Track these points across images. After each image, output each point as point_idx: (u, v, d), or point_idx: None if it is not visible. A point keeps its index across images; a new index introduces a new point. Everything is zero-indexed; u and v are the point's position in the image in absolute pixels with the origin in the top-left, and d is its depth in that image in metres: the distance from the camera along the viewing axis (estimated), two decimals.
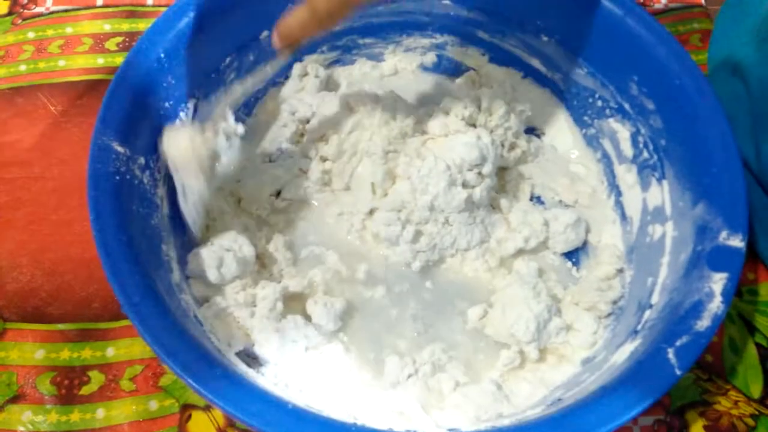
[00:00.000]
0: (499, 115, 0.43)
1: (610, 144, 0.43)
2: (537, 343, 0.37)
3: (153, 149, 0.36)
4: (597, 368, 0.34)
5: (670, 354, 0.31)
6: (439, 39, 0.47)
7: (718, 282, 0.33)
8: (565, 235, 0.41)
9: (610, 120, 0.43)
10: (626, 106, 0.41)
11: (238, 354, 0.34)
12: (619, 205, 0.43)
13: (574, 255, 0.42)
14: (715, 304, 0.32)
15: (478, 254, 0.40)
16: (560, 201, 0.44)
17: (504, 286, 0.39)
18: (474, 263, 0.40)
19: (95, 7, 0.52)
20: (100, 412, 0.37)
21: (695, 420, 0.38)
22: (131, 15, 0.51)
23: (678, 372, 0.30)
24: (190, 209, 0.36)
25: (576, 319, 0.38)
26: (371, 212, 0.40)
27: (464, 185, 0.39)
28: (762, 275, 0.43)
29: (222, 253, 0.36)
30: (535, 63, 0.46)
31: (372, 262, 0.40)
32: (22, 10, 0.51)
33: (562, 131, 0.46)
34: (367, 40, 0.47)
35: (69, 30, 0.50)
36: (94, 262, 0.31)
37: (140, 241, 0.33)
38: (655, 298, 0.36)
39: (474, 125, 0.42)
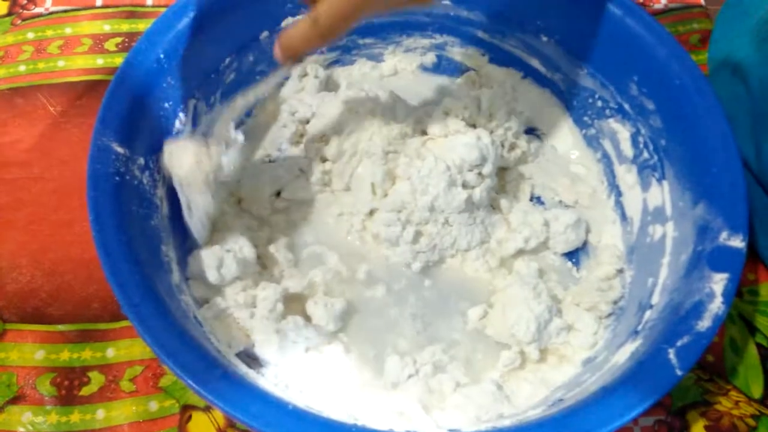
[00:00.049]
0: (499, 116, 0.43)
1: (611, 144, 0.43)
2: (537, 344, 0.37)
3: (152, 150, 0.36)
4: (598, 369, 0.34)
5: (671, 354, 0.31)
6: (439, 39, 0.47)
7: (718, 282, 0.33)
8: (566, 235, 0.41)
9: (610, 120, 0.43)
10: (626, 106, 0.41)
11: (238, 355, 0.34)
12: (620, 206, 0.43)
13: (574, 255, 0.42)
14: (716, 305, 0.32)
15: (479, 255, 0.40)
16: (560, 201, 0.44)
17: (504, 287, 0.39)
18: (474, 263, 0.40)
19: (95, 7, 0.52)
20: (100, 413, 0.37)
21: (696, 420, 0.38)
22: (131, 15, 0.51)
23: (679, 372, 0.30)
24: (196, 222, 0.36)
25: (576, 319, 0.38)
26: (371, 213, 0.40)
27: (464, 186, 0.39)
28: (762, 275, 0.43)
29: (222, 254, 0.36)
30: (535, 63, 0.46)
31: (372, 263, 0.40)
32: (21, 11, 0.51)
33: (562, 131, 0.46)
34: (367, 41, 0.47)
35: (68, 30, 0.50)
36: (93, 262, 0.31)
37: (140, 241, 0.32)
38: (655, 299, 0.36)
39: (474, 126, 0.42)
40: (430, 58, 0.48)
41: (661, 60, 0.39)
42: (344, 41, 0.46)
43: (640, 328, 0.35)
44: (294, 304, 0.37)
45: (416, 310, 0.39)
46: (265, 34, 0.42)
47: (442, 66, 0.48)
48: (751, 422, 0.38)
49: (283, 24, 0.43)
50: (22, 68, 0.48)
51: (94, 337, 0.39)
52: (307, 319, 0.37)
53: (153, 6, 0.52)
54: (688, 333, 0.31)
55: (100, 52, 0.49)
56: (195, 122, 0.40)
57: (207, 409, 0.37)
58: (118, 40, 0.50)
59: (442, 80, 0.48)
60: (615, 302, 0.39)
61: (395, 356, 0.36)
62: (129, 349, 0.39)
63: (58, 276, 0.41)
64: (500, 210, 0.42)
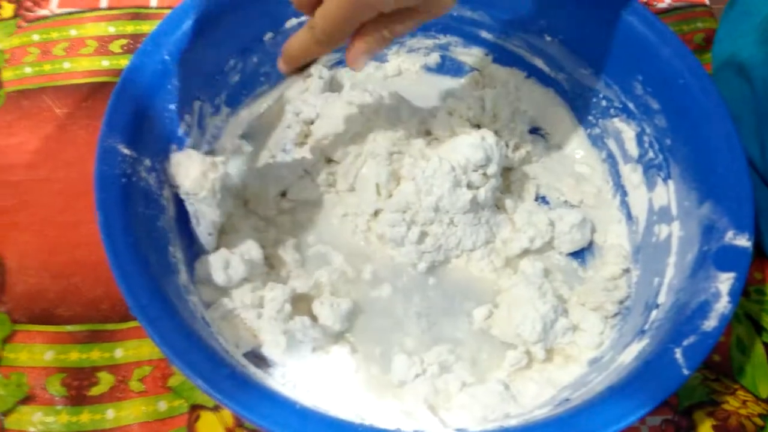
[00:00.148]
0: (504, 116, 0.43)
1: (615, 144, 0.43)
2: (543, 344, 0.37)
3: (158, 151, 0.36)
4: (604, 368, 0.34)
5: (678, 354, 0.31)
6: (443, 39, 0.47)
7: (725, 282, 0.33)
8: (571, 235, 0.41)
9: (615, 120, 0.43)
10: (631, 105, 0.41)
11: (245, 355, 0.34)
12: (625, 205, 0.43)
13: (579, 255, 0.42)
14: (722, 304, 0.32)
15: (484, 254, 0.40)
16: (565, 201, 0.44)
17: (510, 287, 0.39)
18: (479, 263, 0.40)
19: (99, 9, 0.52)
20: (110, 413, 0.37)
21: (703, 420, 0.38)
22: (135, 17, 0.51)
23: (685, 372, 0.30)
24: (203, 231, 0.36)
25: (582, 319, 0.38)
26: (376, 213, 0.40)
27: (469, 186, 0.39)
28: None
29: (229, 257, 0.36)
30: (539, 63, 0.46)
31: (377, 263, 0.40)
32: (26, 13, 0.51)
33: (566, 131, 0.45)
34: None
35: (73, 32, 0.50)
36: (101, 263, 0.31)
37: (147, 243, 0.33)
38: (661, 298, 0.35)
39: (478, 126, 0.42)
40: (434, 58, 0.48)
41: (666, 59, 0.39)
42: (347, 43, 0.46)
43: (646, 327, 0.35)
44: (300, 304, 0.38)
45: (421, 310, 0.39)
46: (269, 35, 0.42)
47: (446, 66, 0.48)
48: (759, 422, 0.38)
49: (287, 25, 0.43)
50: (27, 70, 0.48)
51: (102, 338, 0.39)
52: (314, 319, 0.37)
53: (157, 8, 0.52)
54: (695, 332, 0.31)
55: (105, 54, 0.49)
56: (200, 124, 0.40)
57: (216, 408, 0.37)
58: (123, 41, 0.50)
59: (446, 80, 0.48)
60: (621, 302, 0.39)
61: (402, 355, 0.36)
62: (137, 349, 0.39)
63: (65, 277, 0.41)
64: (505, 210, 0.42)
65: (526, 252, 0.41)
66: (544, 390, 0.35)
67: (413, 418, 0.34)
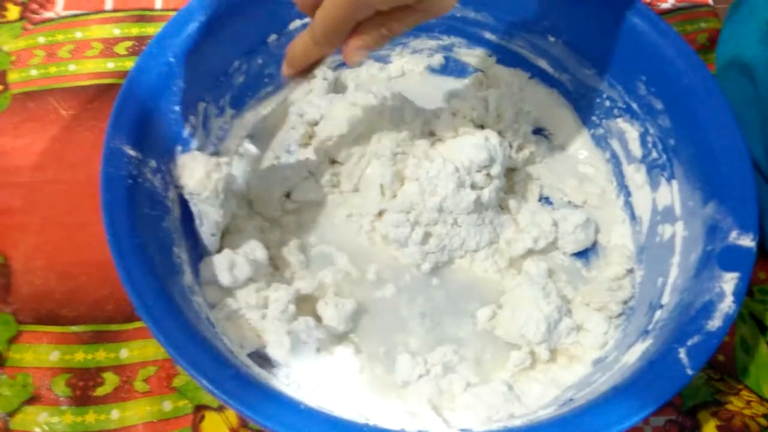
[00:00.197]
0: (507, 117, 0.43)
1: (619, 144, 0.43)
2: (547, 344, 0.37)
3: (164, 152, 0.36)
4: (608, 368, 0.34)
5: (682, 354, 0.31)
6: (446, 40, 0.47)
7: (729, 282, 0.32)
8: (575, 235, 0.41)
9: (619, 120, 0.43)
10: (634, 106, 0.41)
11: (250, 355, 0.34)
12: (629, 205, 0.42)
13: (583, 255, 0.42)
14: (727, 304, 0.32)
15: (488, 255, 0.40)
16: (569, 201, 0.44)
17: (513, 287, 0.39)
18: (483, 264, 0.40)
19: (104, 11, 0.52)
20: (115, 413, 0.37)
21: (707, 420, 0.38)
22: (140, 19, 0.51)
23: (689, 372, 0.30)
24: (206, 232, 0.36)
25: (586, 319, 0.38)
26: (380, 214, 0.40)
27: (473, 186, 0.39)
28: None
29: (234, 257, 0.36)
30: (543, 64, 0.45)
31: (381, 263, 0.40)
32: (32, 15, 0.51)
33: (570, 132, 0.45)
34: None
35: (79, 35, 0.50)
36: (106, 264, 0.31)
37: (152, 243, 0.33)
38: (665, 298, 0.35)
39: (482, 126, 0.42)
40: (438, 59, 0.48)
41: (669, 59, 0.39)
42: None
43: (650, 327, 0.34)
44: (305, 304, 0.38)
45: (425, 310, 0.39)
46: (273, 37, 0.42)
47: (450, 67, 0.48)
48: (763, 422, 0.38)
49: (291, 26, 0.43)
50: (33, 72, 0.48)
51: (107, 338, 0.39)
52: (318, 319, 0.37)
53: (162, 10, 0.52)
54: (699, 333, 0.31)
55: (110, 56, 0.49)
56: (205, 125, 0.40)
57: (220, 408, 0.37)
58: (128, 43, 0.50)
59: (450, 81, 0.48)
60: (625, 302, 0.39)
61: (406, 355, 0.36)
62: (142, 349, 0.39)
63: (71, 278, 0.41)
64: (509, 210, 0.42)
65: (529, 252, 0.41)
66: (548, 390, 0.35)
67: (417, 419, 0.34)
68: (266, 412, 0.28)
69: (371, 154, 0.41)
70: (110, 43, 0.50)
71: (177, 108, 0.37)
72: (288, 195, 0.42)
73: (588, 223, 0.41)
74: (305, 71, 0.36)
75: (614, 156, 0.44)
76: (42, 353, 0.39)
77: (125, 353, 0.39)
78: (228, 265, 0.36)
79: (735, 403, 0.38)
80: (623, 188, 0.43)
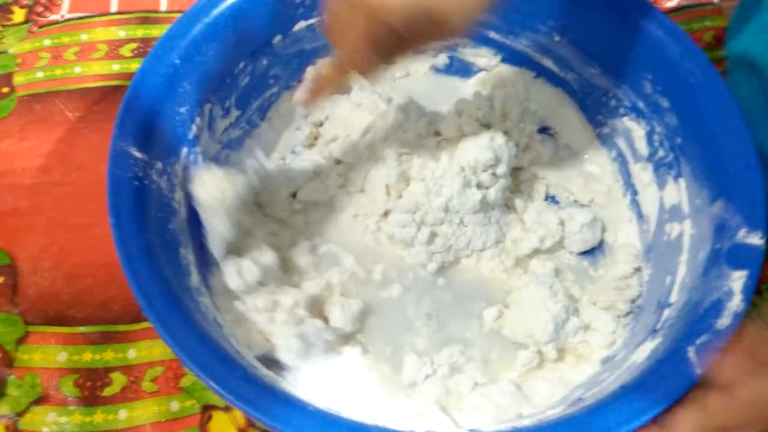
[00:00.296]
0: (513, 116, 0.42)
1: (625, 143, 0.43)
2: (555, 344, 0.36)
3: (170, 154, 0.36)
4: (617, 367, 0.34)
5: (691, 353, 0.30)
6: (451, 40, 0.47)
7: (737, 280, 0.32)
8: (581, 234, 0.40)
9: (625, 119, 0.42)
10: (640, 104, 0.41)
11: (257, 358, 0.34)
12: (635, 204, 0.42)
13: (590, 254, 0.41)
14: (735, 302, 0.31)
15: (494, 254, 0.40)
16: (575, 201, 0.43)
17: (520, 287, 0.39)
18: (490, 263, 0.40)
19: (109, 14, 0.52)
20: (123, 413, 0.37)
21: None
22: (145, 21, 0.51)
23: (698, 371, 0.29)
24: (212, 243, 0.36)
25: (594, 318, 0.37)
26: (386, 214, 0.40)
27: (479, 186, 0.39)
28: None
29: (243, 263, 0.36)
30: (548, 63, 0.45)
31: (387, 263, 0.40)
32: (38, 18, 0.51)
33: (575, 131, 0.45)
34: None
35: (84, 37, 0.50)
36: (113, 265, 0.31)
37: (159, 245, 0.32)
38: (673, 297, 0.35)
39: (488, 126, 0.42)
40: (442, 59, 0.48)
41: (676, 57, 0.38)
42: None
43: (658, 326, 0.34)
44: (311, 305, 0.37)
45: (431, 311, 0.39)
46: (278, 38, 0.42)
47: (455, 67, 0.48)
48: None
49: (296, 28, 0.42)
50: (39, 75, 0.48)
51: (115, 339, 0.39)
52: (325, 320, 0.37)
53: (167, 12, 0.52)
54: (708, 331, 0.31)
55: (115, 58, 0.49)
56: (210, 126, 0.40)
57: (227, 408, 0.37)
58: (133, 45, 0.50)
59: (455, 81, 0.47)
60: (633, 301, 0.38)
61: (413, 355, 0.36)
62: (150, 350, 0.39)
63: (78, 279, 0.41)
64: (515, 210, 0.41)
65: (536, 252, 0.40)
66: (556, 390, 0.35)
67: (426, 419, 0.33)
68: (274, 414, 0.28)
69: (376, 155, 0.40)
70: (115, 45, 0.50)
71: (183, 110, 0.37)
72: (294, 195, 0.41)
73: (595, 222, 0.41)
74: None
75: (620, 155, 0.43)
76: (50, 354, 0.39)
77: (133, 353, 0.39)
78: (236, 270, 0.35)
79: None
80: (630, 187, 0.43)
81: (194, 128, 0.38)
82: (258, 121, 0.44)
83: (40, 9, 0.52)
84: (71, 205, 0.43)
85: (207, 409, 0.37)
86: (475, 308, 0.39)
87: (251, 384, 0.29)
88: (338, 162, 0.42)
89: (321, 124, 0.43)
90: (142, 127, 0.35)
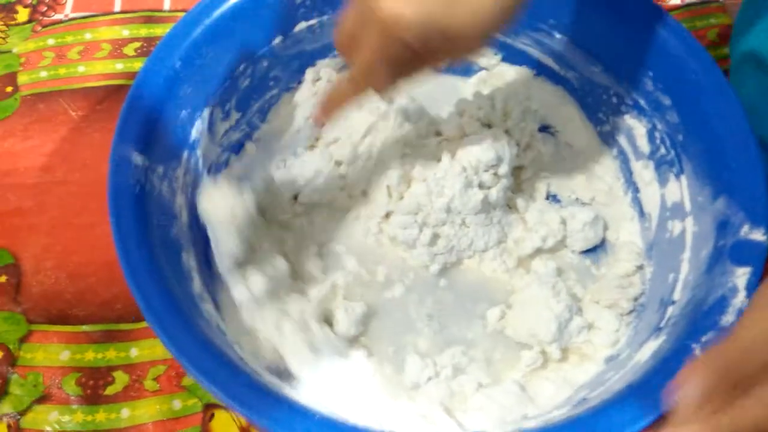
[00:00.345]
0: (514, 115, 0.41)
1: (626, 140, 0.42)
2: (558, 343, 0.35)
3: (171, 158, 0.35)
4: (621, 366, 0.33)
5: (696, 350, 0.29)
6: None
7: (741, 277, 0.31)
8: (584, 233, 0.39)
9: (626, 116, 0.41)
10: (642, 102, 0.40)
11: (264, 366, 0.33)
12: (637, 202, 0.41)
13: (592, 253, 0.40)
14: (739, 299, 0.30)
15: (496, 255, 0.39)
16: (577, 199, 0.42)
17: (523, 287, 0.37)
18: (492, 264, 0.39)
19: (113, 13, 0.51)
20: (125, 412, 0.36)
21: None
22: (148, 20, 0.50)
23: None
24: (221, 260, 0.34)
25: (597, 317, 0.36)
26: (387, 215, 0.39)
27: (480, 186, 0.38)
28: None
29: (251, 276, 0.34)
30: (548, 61, 0.44)
31: (390, 265, 0.39)
32: (41, 18, 0.50)
33: (576, 129, 0.44)
34: None
35: (88, 36, 0.49)
36: (116, 264, 0.30)
37: (161, 251, 0.32)
38: (677, 295, 0.34)
39: (489, 125, 0.41)
40: None
41: (677, 55, 0.37)
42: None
43: (662, 324, 0.33)
44: (318, 311, 0.36)
45: (433, 312, 0.38)
46: (278, 39, 0.41)
47: (455, 66, 0.47)
48: None
49: (296, 29, 0.41)
50: (43, 74, 0.48)
51: (117, 338, 0.38)
52: (329, 323, 0.36)
53: (170, 11, 0.51)
54: (713, 328, 0.30)
55: (119, 57, 0.48)
56: (210, 129, 0.39)
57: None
58: (137, 44, 0.49)
59: (456, 81, 0.46)
60: (636, 299, 0.37)
61: (415, 356, 0.35)
62: (152, 348, 0.38)
63: (81, 278, 0.40)
64: (517, 209, 0.40)
65: (538, 251, 0.39)
66: (561, 390, 0.34)
67: (430, 421, 0.32)
68: (279, 420, 0.27)
69: (378, 156, 0.39)
70: (119, 44, 0.49)
71: (183, 113, 0.36)
72: (295, 198, 0.40)
73: (596, 220, 0.40)
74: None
75: (622, 152, 0.42)
76: (52, 352, 0.38)
77: (135, 352, 0.38)
78: (245, 284, 0.34)
79: None
80: (631, 185, 0.41)
81: (195, 132, 0.37)
82: (258, 124, 0.43)
83: (43, 8, 0.51)
84: (74, 204, 0.42)
85: (209, 407, 0.36)
86: (478, 309, 0.38)
87: (256, 391, 0.28)
88: (339, 163, 0.40)
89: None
90: (143, 132, 0.34)
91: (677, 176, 0.38)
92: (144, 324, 0.39)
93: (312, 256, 0.38)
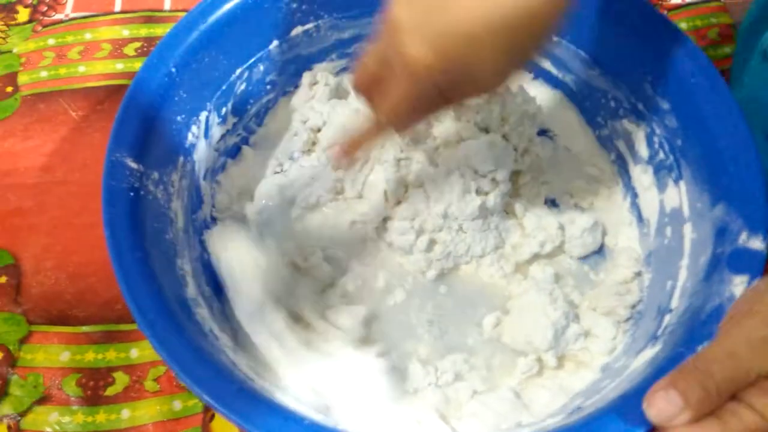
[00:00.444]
0: (512, 120, 0.40)
1: (625, 145, 0.40)
2: (555, 351, 0.34)
3: (166, 164, 0.34)
4: (617, 374, 0.32)
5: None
6: None
7: (738, 285, 0.30)
8: (582, 239, 0.38)
9: (624, 121, 0.40)
10: (640, 106, 0.38)
11: (254, 368, 0.32)
12: (636, 207, 0.39)
13: (590, 258, 0.39)
14: None
15: (493, 260, 0.37)
16: (575, 204, 0.41)
17: (520, 293, 0.36)
18: (489, 269, 0.37)
19: (113, 13, 0.49)
20: (125, 413, 0.35)
21: None
22: (149, 20, 0.49)
23: None
24: (242, 310, 0.33)
25: (594, 324, 0.35)
26: (384, 220, 0.38)
27: (478, 192, 0.37)
28: None
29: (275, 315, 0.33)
30: (546, 65, 0.42)
31: (387, 271, 0.38)
32: (42, 17, 0.49)
33: (575, 133, 0.42)
34: None
35: (88, 36, 0.48)
36: None
37: (155, 257, 0.31)
38: (674, 303, 0.33)
39: (486, 130, 0.40)
40: None
41: (676, 59, 0.36)
42: (353, 48, 0.43)
43: (659, 332, 0.32)
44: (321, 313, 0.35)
45: (433, 317, 0.37)
46: (275, 44, 0.40)
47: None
48: None
49: (293, 33, 0.40)
50: (43, 74, 0.46)
51: (118, 338, 0.37)
52: (333, 325, 0.35)
53: (170, 11, 0.50)
54: (709, 338, 0.28)
55: (119, 57, 0.47)
56: (206, 134, 0.38)
57: None
58: (137, 44, 0.48)
59: None
60: (633, 306, 0.36)
61: (417, 364, 0.34)
62: (152, 349, 0.37)
63: (81, 278, 0.39)
64: (514, 214, 0.39)
65: (536, 257, 0.38)
66: (556, 397, 0.33)
67: (424, 427, 0.31)
68: (271, 428, 0.26)
69: (374, 160, 0.38)
70: (119, 44, 0.48)
71: (179, 118, 0.35)
72: (292, 202, 0.39)
73: (595, 226, 0.38)
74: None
75: (620, 157, 0.41)
76: (53, 353, 0.37)
77: (135, 353, 0.37)
78: (270, 336, 0.32)
79: None
80: (630, 190, 0.40)
81: (191, 136, 0.36)
82: (255, 128, 0.42)
83: (44, 8, 0.50)
84: (74, 204, 0.41)
85: (209, 408, 0.36)
86: (476, 315, 0.37)
87: (248, 398, 0.27)
88: (336, 168, 0.39)
89: (319, 130, 0.41)
90: (138, 138, 0.33)
91: (676, 182, 0.37)
92: None
93: (319, 260, 0.37)
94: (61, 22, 0.49)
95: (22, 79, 0.46)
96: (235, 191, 0.40)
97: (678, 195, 0.36)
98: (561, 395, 0.33)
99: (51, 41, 0.48)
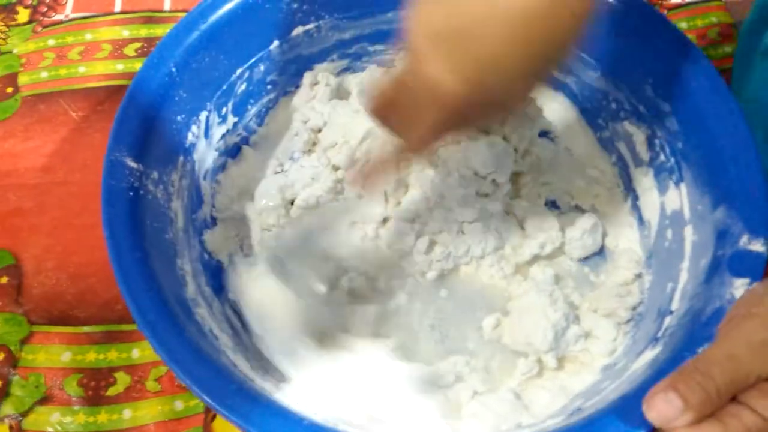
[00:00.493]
0: (513, 121, 0.39)
1: (626, 147, 0.40)
2: (555, 352, 0.34)
3: (166, 163, 0.34)
4: (617, 376, 0.32)
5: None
6: None
7: (739, 288, 0.30)
8: (582, 240, 0.38)
9: (625, 123, 0.40)
10: (641, 108, 0.38)
11: (255, 368, 0.32)
12: (637, 209, 0.39)
13: (591, 260, 0.39)
14: None
15: (493, 261, 0.37)
16: (576, 205, 0.40)
17: (520, 294, 0.36)
18: (489, 270, 0.37)
19: (113, 13, 0.49)
20: (127, 413, 0.35)
21: None
22: (149, 21, 0.49)
23: None
24: (268, 344, 0.33)
25: (595, 326, 0.35)
26: (384, 221, 0.38)
27: (478, 193, 0.36)
28: None
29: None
30: None
31: (387, 272, 0.37)
32: (42, 18, 0.49)
33: (576, 135, 0.42)
34: (377, 47, 0.43)
35: (88, 36, 0.48)
36: None
37: (155, 257, 0.30)
38: (675, 305, 0.33)
39: (486, 132, 0.39)
40: None
41: (677, 61, 0.36)
42: (354, 48, 0.43)
43: (660, 334, 0.32)
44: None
45: (433, 320, 0.36)
46: (275, 44, 0.39)
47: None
48: None
49: (293, 33, 0.40)
50: (44, 75, 0.46)
51: (119, 338, 0.37)
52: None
53: (170, 11, 0.49)
54: (710, 340, 0.28)
55: (119, 58, 0.47)
56: (206, 133, 0.38)
57: None
58: (137, 45, 0.47)
59: None
60: (634, 308, 0.36)
61: (420, 364, 0.34)
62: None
63: (82, 279, 0.39)
64: (514, 216, 0.39)
65: (536, 258, 0.38)
66: (556, 398, 0.32)
67: (425, 429, 0.31)
68: (269, 428, 0.26)
69: (375, 161, 0.38)
70: (119, 44, 0.48)
71: (179, 118, 0.35)
72: (292, 202, 0.39)
73: (596, 227, 0.38)
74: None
75: (621, 159, 0.41)
76: (54, 354, 0.37)
77: (137, 353, 0.37)
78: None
79: None
80: (631, 192, 0.40)
81: (191, 136, 0.36)
82: (255, 128, 0.41)
83: (44, 9, 0.49)
84: (75, 204, 0.41)
85: (211, 408, 0.36)
86: (476, 316, 0.36)
87: (248, 399, 0.27)
88: (336, 168, 0.39)
89: (319, 130, 0.41)
90: (138, 137, 0.33)
91: (677, 184, 0.36)
92: None
93: (320, 261, 0.37)
94: (61, 22, 0.49)
95: (23, 79, 0.46)
96: (235, 191, 0.39)
97: (679, 197, 0.36)
98: (561, 396, 0.33)
99: (51, 42, 0.48)
